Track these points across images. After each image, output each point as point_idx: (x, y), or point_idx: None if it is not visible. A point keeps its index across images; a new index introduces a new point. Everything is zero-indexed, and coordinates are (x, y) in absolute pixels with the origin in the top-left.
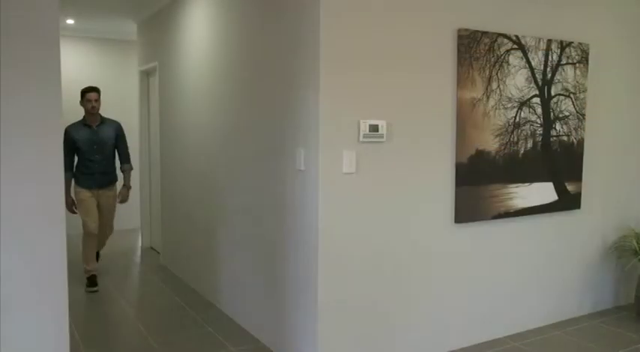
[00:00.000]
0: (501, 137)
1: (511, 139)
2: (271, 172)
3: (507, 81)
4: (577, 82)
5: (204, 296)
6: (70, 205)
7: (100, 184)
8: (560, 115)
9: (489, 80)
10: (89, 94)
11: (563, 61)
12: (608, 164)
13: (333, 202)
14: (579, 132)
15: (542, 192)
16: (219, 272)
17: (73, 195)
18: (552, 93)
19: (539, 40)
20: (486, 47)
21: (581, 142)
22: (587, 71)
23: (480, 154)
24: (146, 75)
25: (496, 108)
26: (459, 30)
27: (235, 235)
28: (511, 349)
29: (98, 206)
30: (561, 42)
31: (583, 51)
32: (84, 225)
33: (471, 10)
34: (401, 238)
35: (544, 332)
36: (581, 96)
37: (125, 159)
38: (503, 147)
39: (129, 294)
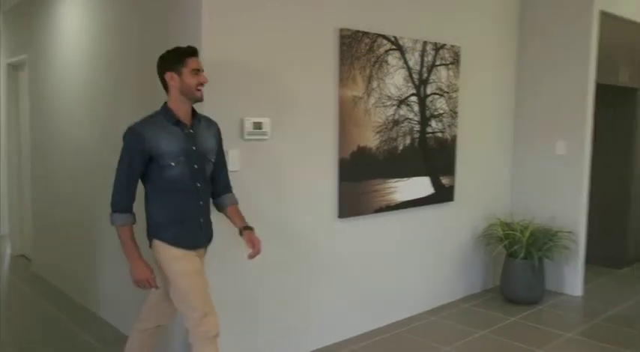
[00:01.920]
0: (381, 134)
1: (390, 136)
2: None
3: (387, 80)
4: (450, 82)
5: (83, 303)
6: (150, 274)
7: (209, 236)
8: (435, 113)
9: (370, 79)
10: (192, 60)
11: (438, 62)
12: (477, 159)
13: None
14: (452, 129)
15: (420, 186)
16: (97, 277)
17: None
18: (428, 92)
19: (416, 41)
20: (367, 47)
21: (454, 138)
22: (458, 72)
23: (362, 151)
24: (13, 68)
25: (376, 106)
26: (341, 30)
27: (113, 237)
28: (392, 337)
29: None
30: (436, 44)
31: (455, 53)
32: (201, 323)
33: (352, 10)
34: (286, 234)
35: (422, 318)
36: (454, 95)
37: (228, 184)
38: (383, 144)
39: None
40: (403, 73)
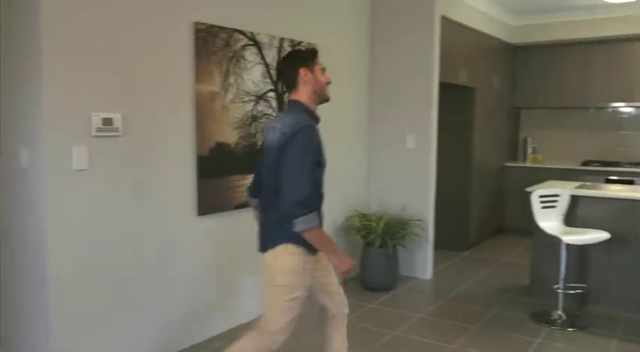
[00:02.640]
0: (240, 130)
1: (249, 132)
2: None
3: (244, 75)
4: None
5: None
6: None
7: None
8: None
9: (227, 74)
10: (319, 60)
11: None
12: (335, 153)
13: (63, 201)
14: None
15: None
16: None
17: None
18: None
19: (273, 38)
20: (223, 42)
21: None
22: None
23: (221, 147)
24: None
25: (234, 102)
26: (196, 23)
27: None
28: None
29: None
30: (292, 41)
31: None
32: (271, 338)
33: (208, 4)
34: (143, 234)
35: None
36: None
37: None
38: (242, 140)
39: None
40: (261, 68)
